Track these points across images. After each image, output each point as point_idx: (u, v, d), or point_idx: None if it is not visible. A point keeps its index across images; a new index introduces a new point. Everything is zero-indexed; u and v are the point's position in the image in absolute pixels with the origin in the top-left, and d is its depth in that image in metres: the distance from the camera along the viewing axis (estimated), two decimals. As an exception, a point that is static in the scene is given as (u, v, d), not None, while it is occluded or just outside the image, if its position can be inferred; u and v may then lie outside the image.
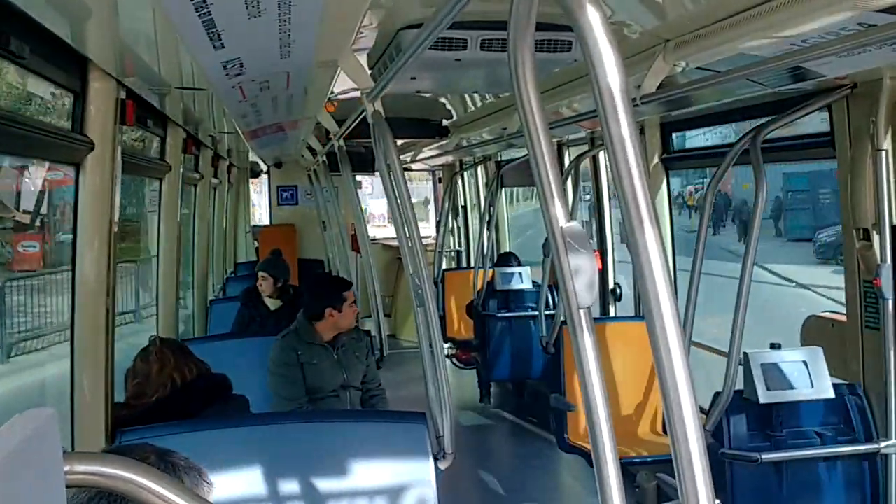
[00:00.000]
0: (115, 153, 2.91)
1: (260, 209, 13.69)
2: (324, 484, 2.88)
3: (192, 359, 3.39)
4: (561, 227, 1.27)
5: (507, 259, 8.31)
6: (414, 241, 3.18)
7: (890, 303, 3.35)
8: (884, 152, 3.29)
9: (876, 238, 3.36)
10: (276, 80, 3.34)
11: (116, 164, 2.92)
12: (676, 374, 1.12)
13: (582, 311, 1.29)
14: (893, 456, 3.41)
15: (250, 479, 2.82)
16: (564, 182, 4.96)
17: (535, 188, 1.34)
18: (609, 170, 1.15)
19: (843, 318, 3.77)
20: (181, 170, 5.05)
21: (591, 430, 1.32)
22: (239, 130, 5.53)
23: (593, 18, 1.07)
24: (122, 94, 2.94)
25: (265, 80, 3.26)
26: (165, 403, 3.23)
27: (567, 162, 6.52)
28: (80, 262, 2.81)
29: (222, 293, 8.74)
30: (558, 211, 1.30)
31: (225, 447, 2.85)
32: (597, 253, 6.29)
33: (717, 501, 1.15)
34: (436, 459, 3.04)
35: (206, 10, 1.91)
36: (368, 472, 2.98)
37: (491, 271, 7.94)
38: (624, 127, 1.08)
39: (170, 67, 3.08)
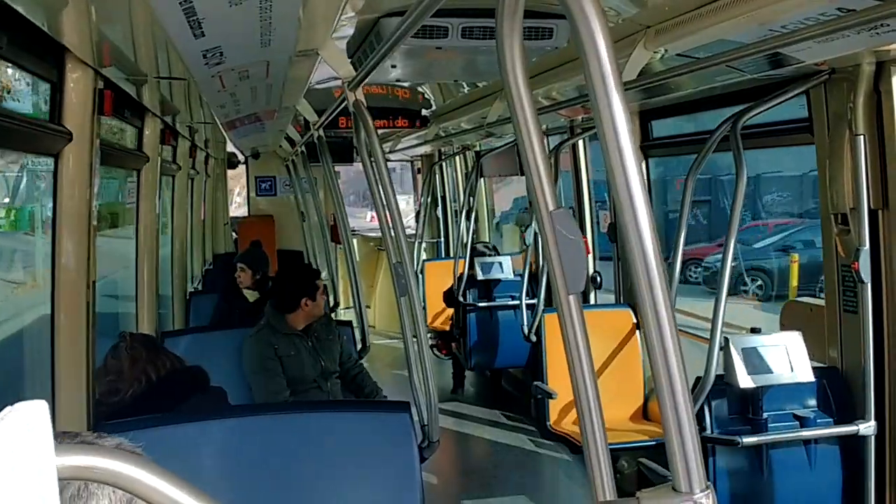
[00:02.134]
0: (94, 144, 2.87)
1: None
2: (307, 475, 2.87)
3: (163, 353, 3.35)
4: (550, 212, 1.28)
5: (484, 249, 8.33)
6: (397, 230, 3.17)
7: (868, 286, 3.38)
8: (861, 137, 3.31)
9: (854, 222, 3.39)
10: (255, 69, 3.31)
11: (95, 155, 2.88)
12: (669, 359, 1.13)
13: (571, 297, 1.30)
14: (871, 437, 3.46)
15: (231, 473, 2.81)
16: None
17: (514, 177, 1.34)
18: (603, 157, 1.14)
19: (822, 303, 3.82)
20: (159, 161, 5.00)
21: (581, 417, 1.33)
22: (217, 121, 5.48)
23: (587, 4, 1.07)
24: (100, 84, 2.90)
25: (245, 69, 3.22)
26: (141, 399, 3.19)
27: (547, 151, 6.52)
28: (59, 254, 2.78)
29: (201, 285, 8.68)
30: (547, 197, 1.30)
31: (205, 440, 2.83)
32: (584, 239, 6.32)
33: (709, 485, 1.16)
34: (420, 448, 3.04)
35: (187, -2, 1.89)
36: (353, 462, 2.97)
37: (471, 261, 7.94)
38: (616, 112, 1.08)
39: (148, 57, 3.04)
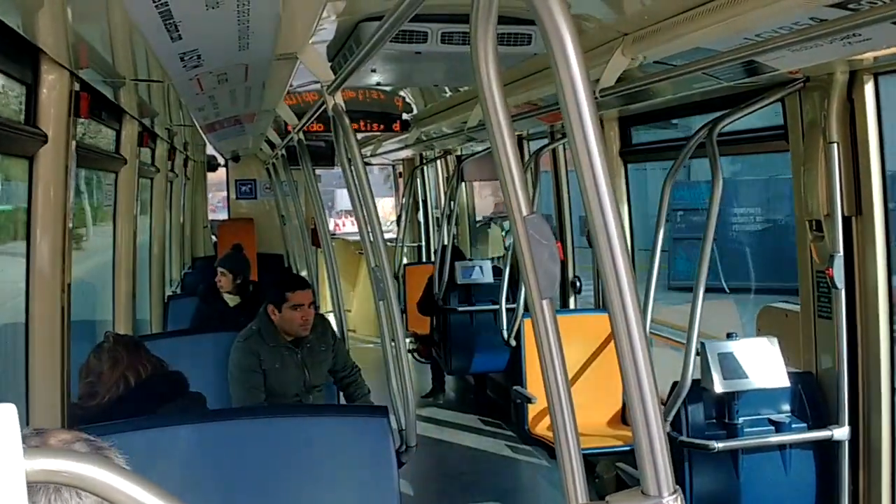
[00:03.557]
0: (70, 146, 2.85)
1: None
2: (284, 480, 2.86)
3: (146, 356, 3.32)
4: (524, 218, 1.28)
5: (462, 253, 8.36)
6: (375, 235, 3.17)
7: (842, 293, 3.42)
8: (835, 145, 3.35)
9: (828, 229, 3.43)
10: (234, 73, 3.30)
11: (71, 157, 2.86)
12: (638, 364, 1.14)
13: (545, 302, 1.30)
14: (845, 442, 3.49)
15: (207, 477, 2.79)
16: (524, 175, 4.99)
17: (496, 181, 1.35)
18: (573, 162, 1.15)
19: (797, 309, 3.85)
20: (137, 163, 4.97)
21: (554, 420, 1.33)
22: (196, 123, 5.46)
23: (556, 12, 1.08)
24: (77, 87, 2.88)
25: (223, 72, 3.22)
26: (119, 402, 3.17)
27: (527, 156, 6.55)
28: (34, 258, 2.75)
29: (180, 289, 8.63)
30: (521, 202, 1.31)
31: (181, 445, 2.81)
32: (558, 244, 6.34)
33: (677, 488, 1.17)
34: (398, 453, 3.04)
35: (163, 1, 1.88)
36: (330, 467, 2.97)
37: (451, 265, 7.95)
38: (586, 119, 1.09)
39: (125, 59, 3.02)
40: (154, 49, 2.52)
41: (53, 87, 2.72)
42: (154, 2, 1.89)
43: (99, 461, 0.85)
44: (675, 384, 3.65)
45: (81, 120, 3.03)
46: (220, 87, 3.65)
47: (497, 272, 7.85)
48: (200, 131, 6.19)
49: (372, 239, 3.23)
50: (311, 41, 3.06)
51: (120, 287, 4.91)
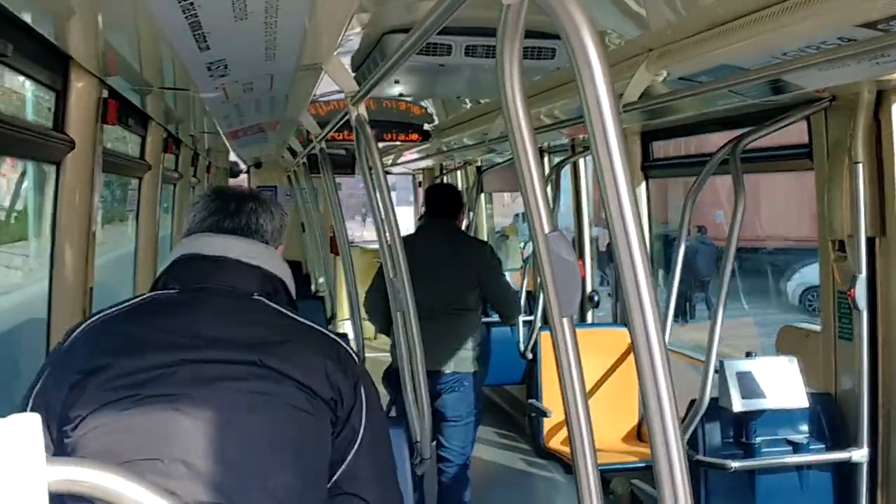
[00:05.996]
0: (96, 152, 2.88)
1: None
2: None
3: None
4: (545, 235, 1.29)
5: None
6: (395, 244, 3.17)
7: (864, 314, 3.39)
8: (860, 165, 3.33)
9: (851, 249, 3.40)
10: (259, 82, 3.33)
11: (97, 163, 2.89)
12: (658, 381, 1.13)
13: (565, 320, 1.31)
14: (864, 464, 3.45)
15: None
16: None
17: (516, 193, 1.35)
18: (596, 177, 1.15)
19: (818, 329, 3.82)
20: (161, 169, 5.01)
21: (571, 436, 1.33)
22: (220, 130, 5.50)
23: (581, 26, 1.08)
24: (105, 93, 2.92)
25: (249, 81, 3.25)
26: None
27: (547, 168, 6.55)
28: (58, 262, 2.78)
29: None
30: (543, 218, 1.31)
31: None
32: (580, 262, 6.32)
33: (695, 508, 1.17)
34: (412, 465, 3.03)
35: (192, 12, 1.91)
36: None
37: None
38: (610, 135, 1.09)
39: (153, 67, 3.06)
40: (182, 58, 2.55)
41: (82, 93, 2.75)
42: (184, 12, 1.92)
43: (121, 472, 0.86)
44: (692, 402, 3.62)
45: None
46: (245, 96, 3.68)
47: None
48: (224, 138, 6.24)
49: (391, 248, 3.22)
50: (335, 52, 3.08)
51: (142, 291, 4.94)
